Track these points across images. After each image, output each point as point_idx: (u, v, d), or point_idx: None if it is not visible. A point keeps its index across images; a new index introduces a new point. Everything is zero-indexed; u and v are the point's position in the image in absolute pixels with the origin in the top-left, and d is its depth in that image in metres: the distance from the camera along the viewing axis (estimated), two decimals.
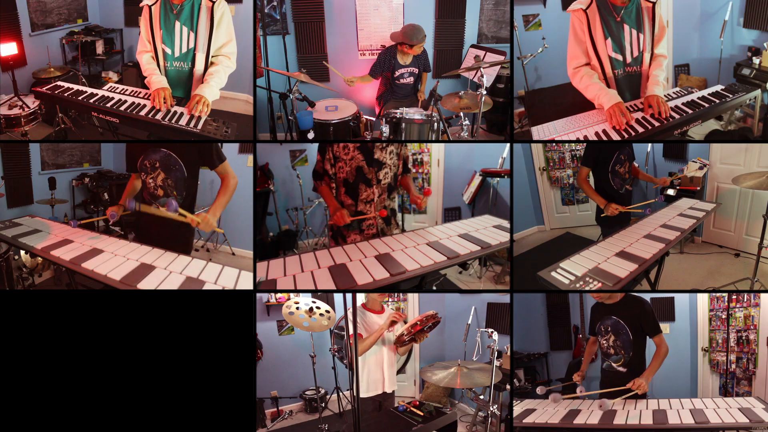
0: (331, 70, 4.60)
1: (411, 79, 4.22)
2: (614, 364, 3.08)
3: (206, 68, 3.27)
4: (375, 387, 2.86)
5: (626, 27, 3.09)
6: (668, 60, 3.40)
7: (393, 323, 2.84)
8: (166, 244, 2.78)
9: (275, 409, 4.47)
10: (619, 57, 3.12)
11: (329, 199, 3.14)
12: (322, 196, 3.28)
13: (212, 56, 3.28)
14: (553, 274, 2.51)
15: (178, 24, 3.18)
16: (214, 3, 3.19)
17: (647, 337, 3.04)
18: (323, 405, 4.36)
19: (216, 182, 5.26)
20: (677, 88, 3.37)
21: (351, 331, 2.31)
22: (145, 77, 3.24)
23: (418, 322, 2.78)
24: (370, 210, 3.14)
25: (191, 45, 3.23)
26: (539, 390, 3.11)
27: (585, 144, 3.58)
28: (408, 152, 3.35)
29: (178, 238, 2.94)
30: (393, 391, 2.94)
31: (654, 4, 3.08)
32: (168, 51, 3.22)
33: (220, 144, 3.04)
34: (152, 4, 3.16)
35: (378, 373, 2.87)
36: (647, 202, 3.61)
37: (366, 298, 2.93)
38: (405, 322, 2.97)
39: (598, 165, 3.54)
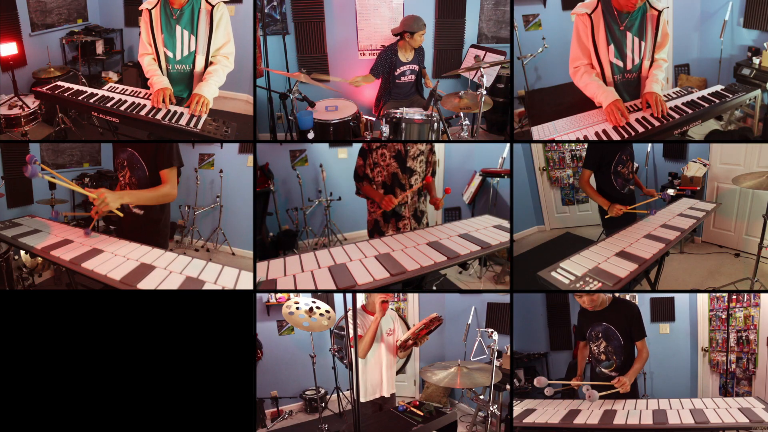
0: (333, 78, 4.61)
1: (412, 77, 4.21)
2: (605, 370, 3.08)
3: (206, 69, 3.30)
4: (374, 391, 2.85)
5: (629, 35, 3.09)
6: (668, 64, 3.41)
7: (384, 304, 2.80)
8: (140, 240, 2.79)
9: (275, 409, 4.47)
10: (620, 63, 3.14)
11: (373, 193, 3.41)
12: (367, 194, 3.46)
13: (211, 56, 3.31)
14: (553, 274, 2.51)
15: (179, 28, 3.22)
16: (213, 6, 3.23)
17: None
18: (323, 405, 4.36)
19: (215, 182, 5.33)
20: (677, 88, 3.37)
21: (351, 332, 2.30)
22: (148, 79, 3.27)
23: (424, 326, 2.77)
24: (405, 212, 3.46)
25: (192, 48, 3.26)
26: (537, 382, 3.05)
27: (586, 145, 3.58)
28: (435, 158, 3.59)
29: (149, 237, 2.90)
30: (393, 394, 2.93)
31: (660, 12, 3.07)
32: (170, 54, 3.26)
33: (176, 149, 2.98)
34: (152, 8, 3.18)
35: (377, 376, 2.86)
36: (650, 200, 3.58)
37: (366, 300, 2.92)
38: (404, 321, 2.98)
39: (601, 166, 3.53)
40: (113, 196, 2.68)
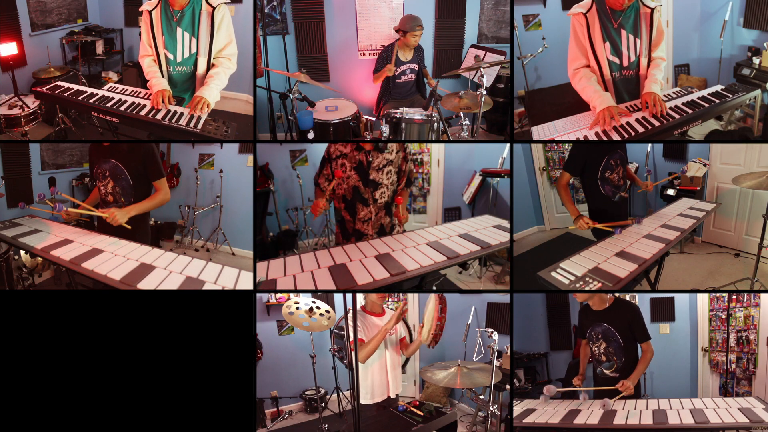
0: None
1: (412, 77, 4.21)
2: (606, 371, 3.08)
3: (208, 70, 3.29)
4: (381, 392, 2.84)
5: (624, 32, 3.12)
6: (667, 62, 3.41)
7: (398, 320, 2.79)
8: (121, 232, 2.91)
9: (275, 409, 4.47)
10: (617, 60, 3.16)
11: (318, 196, 3.23)
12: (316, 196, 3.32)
13: (213, 58, 3.30)
14: (553, 274, 2.51)
15: (179, 30, 3.22)
16: (214, 8, 3.22)
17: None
18: (323, 405, 4.36)
19: (215, 182, 5.33)
20: (677, 88, 3.37)
21: (351, 333, 2.30)
22: (148, 80, 3.27)
23: (438, 314, 2.69)
24: (368, 228, 3.20)
25: (193, 50, 3.26)
26: (546, 390, 3.03)
27: (570, 147, 3.51)
28: (412, 167, 3.36)
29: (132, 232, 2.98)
30: (397, 394, 2.92)
31: (652, 10, 3.11)
32: (171, 57, 3.26)
33: (159, 159, 3.16)
34: (152, 9, 3.18)
35: (383, 377, 2.85)
36: (619, 223, 3.18)
37: (365, 300, 2.92)
38: (404, 321, 2.97)
39: (586, 171, 3.32)
40: (121, 213, 2.91)
